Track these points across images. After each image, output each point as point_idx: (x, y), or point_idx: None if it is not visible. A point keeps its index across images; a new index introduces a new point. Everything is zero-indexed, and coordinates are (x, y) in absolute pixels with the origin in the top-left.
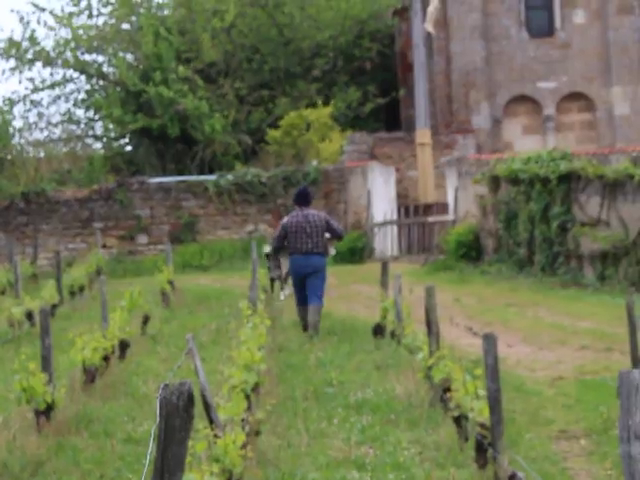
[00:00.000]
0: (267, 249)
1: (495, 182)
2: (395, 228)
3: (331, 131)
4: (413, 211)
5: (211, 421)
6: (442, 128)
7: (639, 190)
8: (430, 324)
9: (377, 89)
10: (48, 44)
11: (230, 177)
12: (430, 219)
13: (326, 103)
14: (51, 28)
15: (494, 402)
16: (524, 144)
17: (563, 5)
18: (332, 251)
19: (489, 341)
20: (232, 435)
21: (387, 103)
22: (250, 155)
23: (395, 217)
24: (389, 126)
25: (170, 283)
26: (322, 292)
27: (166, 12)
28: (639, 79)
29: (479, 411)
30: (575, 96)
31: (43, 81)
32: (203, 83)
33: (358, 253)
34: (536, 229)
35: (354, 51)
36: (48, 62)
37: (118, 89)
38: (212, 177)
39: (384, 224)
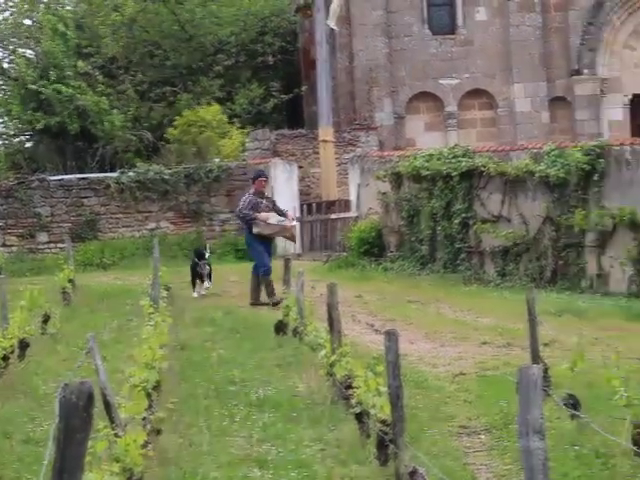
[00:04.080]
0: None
1: (398, 179)
2: (298, 225)
3: (230, 128)
4: (316, 208)
5: (112, 420)
6: (345, 125)
7: (539, 187)
8: (332, 321)
9: (280, 85)
10: None
11: (132, 174)
12: (333, 216)
13: (228, 99)
14: None
15: (395, 399)
16: (426, 141)
17: (465, 2)
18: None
19: (390, 338)
20: (133, 434)
21: (290, 100)
22: (152, 152)
23: (298, 214)
24: (292, 123)
25: (71, 282)
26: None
27: (68, 8)
28: (540, 76)
29: (380, 408)
30: (477, 93)
31: None
32: (103, 79)
33: None
34: (438, 226)
35: (256, 47)
36: None
37: (18, 86)
38: (113, 174)
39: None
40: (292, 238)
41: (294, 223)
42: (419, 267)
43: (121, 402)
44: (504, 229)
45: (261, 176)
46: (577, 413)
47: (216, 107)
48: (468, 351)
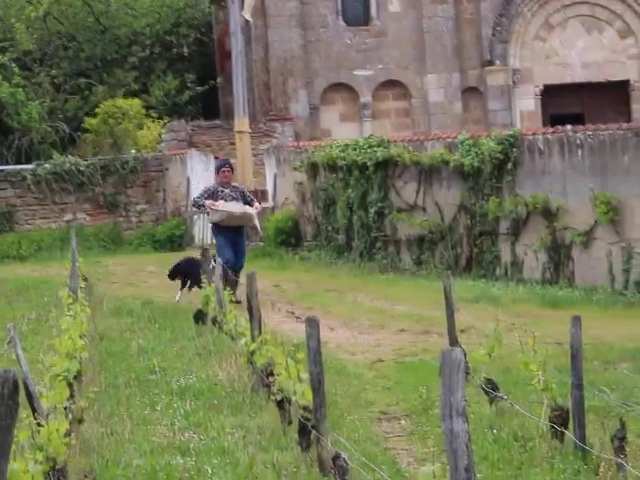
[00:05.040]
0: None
1: (314, 169)
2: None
3: (147, 120)
4: None
5: (34, 410)
6: (260, 116)
7: (454, 176)
8: (252, 310)
9: (195, 77)
10: None
11: (48, 166)
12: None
13: (144, 91)
14: None
15: (317, 385)
16: (341, 131)
17: None
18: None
19: (312, 325)
20: (55, 423)
21: (206, 91)
22: (68, 144)
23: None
24: (208, 114)
25: None
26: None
27: None
28: (453, 67)
29: (302, 394)
30: (391, 84)
31: None
32: (18, 70)
33: (177, 241)
34: (354, 215)
35: (171, 39)
36: None
37: None
38: (29, 166)
39: (203, 212)
40: (254, 227)
41: (247, 210)
42: (336, 256)
43: (42, 392)
44: (419, 218)
45: (224, 166)
46: (498, 394)
47: (135, 100)
48: (386, 338)
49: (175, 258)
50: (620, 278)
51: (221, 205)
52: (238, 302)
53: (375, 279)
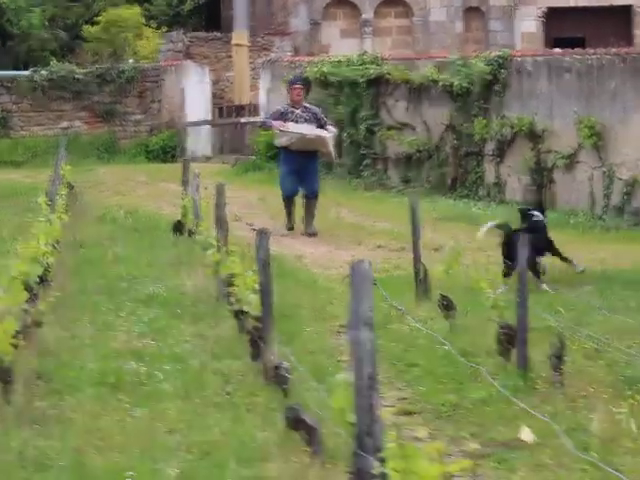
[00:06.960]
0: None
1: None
2: (209, 128)
3: (146, 30)
4: (226, 112)
5: None
6: (260, 30)
7: (443, 96)
8: (219, 221)
9: None
10: None
11: (44, 72)
12: (242, 120)
13: (146, 0)
14: None
15: (265, 295)
16: (342, 47)
17: None
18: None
19: (262, 236)
20: (3, 324)
21: (209, 2)
22: (67, 52)
23: (209, 117)
24: (210, 26)
25: None
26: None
27: None
28: None
29: (255, 305)
30: (393, 1)
31: None
32: None
33: (170, 152)
34: (344, 132)
35: None
36: None
37: None
38: (26, 72)
39: (197, 124)
40: (327, 154)
41: (321, 133)
42: (324, 172)
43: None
44: (408, 136)
45: (295, 83)
46: (446, 311)
47: (136, 9)
48: (362, 254)
49: (167, 169)
50: (600, 203)
51: (290, 127)
52: (314, 234)
53: (360, 196)
